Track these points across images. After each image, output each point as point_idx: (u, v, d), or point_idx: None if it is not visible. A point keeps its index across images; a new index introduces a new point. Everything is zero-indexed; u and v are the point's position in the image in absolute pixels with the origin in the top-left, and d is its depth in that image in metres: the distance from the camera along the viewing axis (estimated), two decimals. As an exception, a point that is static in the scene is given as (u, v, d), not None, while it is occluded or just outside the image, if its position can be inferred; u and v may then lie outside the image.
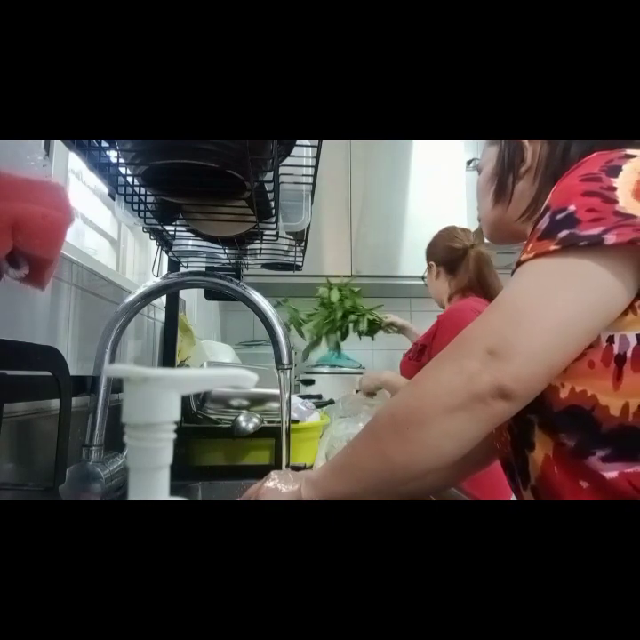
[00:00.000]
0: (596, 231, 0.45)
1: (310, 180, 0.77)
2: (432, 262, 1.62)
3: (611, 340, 0.47)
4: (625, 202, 0.46)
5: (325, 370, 2.07)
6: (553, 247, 0.46)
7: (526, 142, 0.66)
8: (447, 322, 1.41)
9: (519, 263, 0.50)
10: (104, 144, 0.62)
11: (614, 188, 0.47)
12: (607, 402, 0.47)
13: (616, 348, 0.47)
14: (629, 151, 0.52)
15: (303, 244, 0.99)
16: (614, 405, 0.46)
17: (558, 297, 0.46)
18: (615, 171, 0.49)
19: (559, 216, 0.48)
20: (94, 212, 1.09)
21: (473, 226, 2.05)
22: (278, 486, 0.57)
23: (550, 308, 0.46)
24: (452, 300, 1.57)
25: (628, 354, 0.46)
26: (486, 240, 0.80)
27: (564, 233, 0.46)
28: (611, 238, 0.44)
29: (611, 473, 0.47)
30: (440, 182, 2.08)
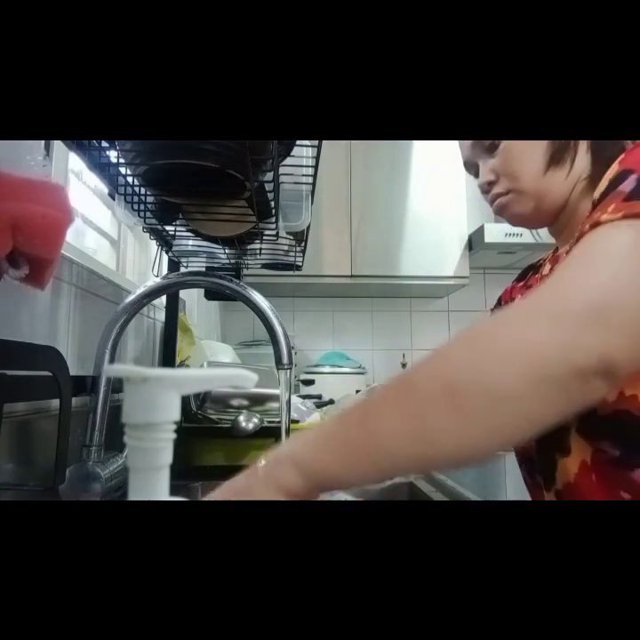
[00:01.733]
0: None
1: (310, 179, 0.77)
2: None
3: None
4: None
5: (325, 370, 2.07)
6: None
7: None
8: None
9: (598, 223, 0.41)
10: (104, 144, 0.62)
11: None
12: None
13: None
14: None
15: (303, 244, 0.99)
16: None
17: None
18: None
19: None
20: (94, 212, 1.09)
21: (473, 226, 2.05)
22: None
23: None
24: None
25: None
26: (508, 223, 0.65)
27: None
28: None
29: None
30: (440, 182, 2.08)
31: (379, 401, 0.37)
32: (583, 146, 0.58)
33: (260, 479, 0.39)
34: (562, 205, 0.59)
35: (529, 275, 0.76)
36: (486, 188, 0.63)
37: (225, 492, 0.40)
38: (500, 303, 0.80)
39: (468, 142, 0.65)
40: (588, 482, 0.48)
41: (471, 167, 0.66)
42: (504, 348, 0.35)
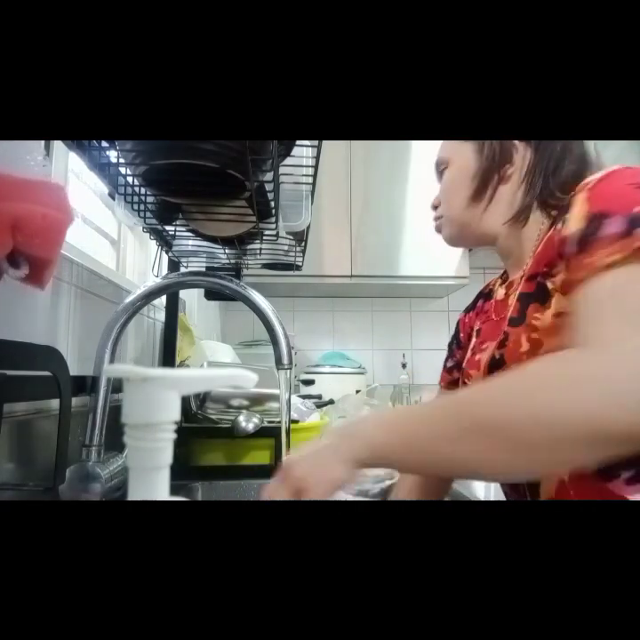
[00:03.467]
0: None
1: (310, 179, 0.77)
2: None
3: None
4: None
5: (325, 370, 2.07)
6: None
7: (517, 143, 0.63)
8: None
9: (606, 267, 0.44)
10: (104, 144, 0.62)
11: None
12: None
13: None
14: None
15: (303, 244, 0.99)
16: None
17: None
18: None
19: (634, 216, 0.45)
20: (94, 212, 1.09)
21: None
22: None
23: None
24: None
25: None
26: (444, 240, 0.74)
27: None
28: None
29: (635, 496, 0.46)
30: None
31: (447, 424, 0.42)
32: (514, 187, 0.64)
33: (333, 446, 0.45)
34: (482, 234, 0.67)
35: (479, 302, 0.79)
36: (433, 209, 0.73)
37: (300, 452, 0.47)
38: (457, 333, 0.83)
39: (434, 166, 0.73)
40: (566, 497, 0.50)
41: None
42: (561, 408, 0.38)
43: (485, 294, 0.78)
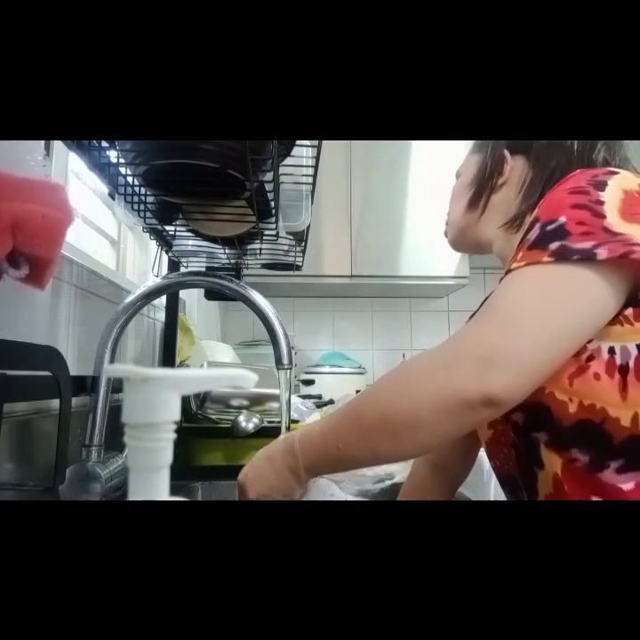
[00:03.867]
0: (587, 245, 0.46)
1: (310, 180, 0.77)
2: None
3: (612, 351, 0.48)
4: (612, 219, 0.47)
5: (325, 370, 2.07)
6: (546, 259, 0.48)
7: (508, 156, 0.67)
8: None
9: (508, 271, 0.51)
10: (104, 144, 0.62)
11: (602, 202, 0.49)
12: (617, 413, 0.47)
13: (618, 359, 0.48)
14: (612, 168, 0.54)
15: (303, 244, 0.99)
16: (624, 416, 0.47)
17: (550, 308, 0.47)
18: (602, 185, 0.51)
19: (550, 227, 0.49)
20: (94, 212, 1.09)
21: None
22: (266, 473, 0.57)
23: (541, 320, 0.47)
24: None
25: (631, 364, 0.47)
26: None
27: (555, 244, 0.48)
28: (602, 253, 0.46)
29: (627, 484, 0.47)
30: (440, 182, 2.07)
31: (339, 425, 0.53)
32: (511, 194, 0.67)
33: (277, 463, 0.56)
34: (478, 238, 0.72)
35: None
36: (446, 215, 0.79)
37: (249, 469, 0.59)
38: None
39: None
40: (562, 492, 0.51)
41: None
42: (417, 390, 0.48)
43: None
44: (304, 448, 0.55)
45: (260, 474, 0.58)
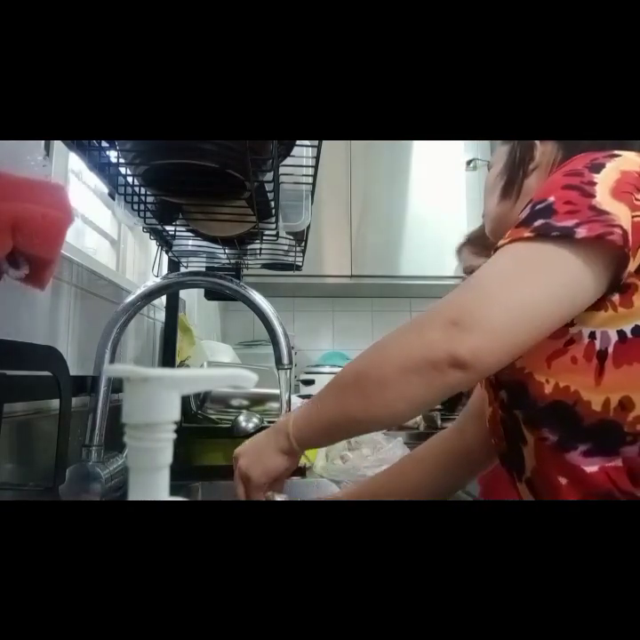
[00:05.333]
0: (569, 223, 0.46)
1: (310, 179, 0.77)
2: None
3: (592, 336, 0.48)
4: (601, 198, 0.47)
5: (325, 370, 2.06)
6: (527, 234, 0.48)
7: (537, 142, 0.67)
8: None
9: (496, 249, 0.52)
10: (104, 144, 0.62)
11: (594, 183, 0.49)
12: (589, 397, 0.48)
13: (597, 344, 0.48)
14: (617, 151, 0.53)
15: (303, 244, 0.99)
16: (596, 401, 0.48)
17: (524, 279, 0.48)
18: (598, 167, 0.51)
19: (538, 206, 0.50)
20: (94, 212, 1.09)
21: (472, 226, 2.05)
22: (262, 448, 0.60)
23: (514, 289, 0.47)
24: None
25: (610, 350, 0.48)
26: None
27: (539, 222, 0.48)
28: (581, 232, 0.46)
29: (591, 467, 0.48)
30: (440, 182, 2.08)
31: (325, 391, 0.55)
32: (542, 177, 0.65)
33: (266, 439, 0.60)
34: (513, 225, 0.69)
35: None
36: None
37: (246, 445, 0.62)
38: None
39: None
40: (542, 469, 0.53)
41: None
42: (389, 350, 0.50)
43: None
44: (295, 415, 0.57)
45: (252, 441, 0.62)
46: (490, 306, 0.46)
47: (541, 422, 0.51)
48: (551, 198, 0.49)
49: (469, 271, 1.46)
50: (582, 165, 0.52)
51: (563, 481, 0.50)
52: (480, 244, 1.27)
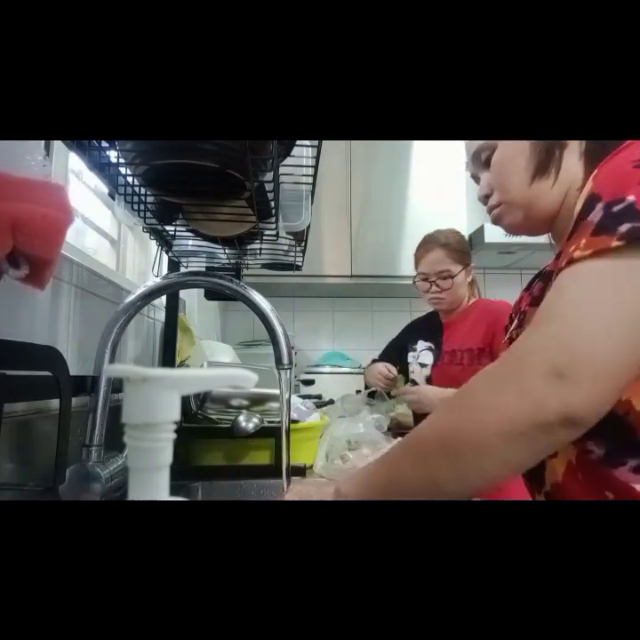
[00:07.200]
0: None
1: (310, 179, 0.77)
2: (468, 264, 1.52)
3: None
4: None
5: (325, 370, 2.07)
6: (615, 243, 0.41)
7: None
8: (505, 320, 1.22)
9: (571, 261, 0.44)
10: (104, 144, 0.62)
11: None
12: None
13: None
14: None
15: (303, 244, 0.99)
16: None
17: (627, 305, 0.40)
18: None
19: (616, 208, 0.43)
20: (94, 212, 1.09)
21: (473, 226, 2.05)
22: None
23: (619, 320, 0.40)
24: (470, 301, 1.57)
25: None
26: (504, 231, 0.68)
27: (625, 226, 0.41)
28: None
29: None
30: (440, 182, 2.08)
31: (398, 452, 0.48)
32: (574, 154, 0.58)
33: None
34: (552, 213, 0.60)
35: (535, 282, 0.74)
36: (484, 201, 0.66)
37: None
38: (511, 316, 0.78)
39: (470, 158, 0.67)
40: (574, 481, 0.49)
41: (477, 180, 0.69)
42: (483, 414, 0.42)
43: (542, 274, 0.73)
44: (350, 485, 0.50)
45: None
46: (596, 347, 0.39)
47: (586, 433, 0.46)
48: (631, 197, 0.42)
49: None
50: None
51: (610, 496, 0.46)
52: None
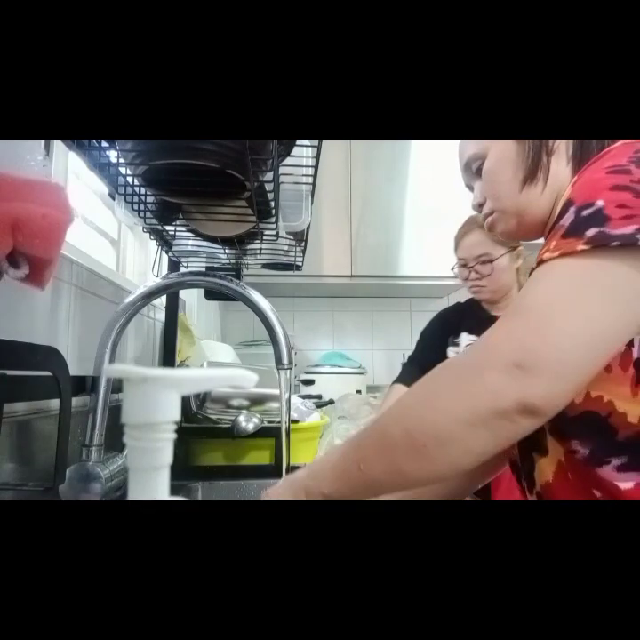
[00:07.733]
0: (628, 230, 0.41)
1: (310, 179, 0.77)
2: (515, 247, 1.32)
3: (630, 343, 0.45)
4: None
5: (325, 370, 2.06)
6: (581, 247, 0.42)
7: None
8: None
9: (541, 262, 0.46)
10: (104, 144, 0.62)
11: None
12: (625, 408, 0.45)
13: (635, 352, 0.45)
14: None
15: (303, 244, 0.99)
16: (632, 412, 0.45)
17: (588, 302, 0.42)
18: None
19: (585, 212, 0.44)
20: (94, 212, 1.09)
21: (473, 226, 2.05)
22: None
23: (579, 316, 0.41)
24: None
25: None
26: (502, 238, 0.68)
27: (592, 231, 0.43)
28: None
29: (626, 483, 0.45)
30: (440, 182, 2.08)
31: (363, 444, 0.49)
32: (562, 159, 0.59)
33: (296, 483, 0.51)
34: (544, 219, 0.61)
35: None
36: (478, 209, 0.67)
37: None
38: None
39: (462, 168, 0.69)
40: (564, 480, 0.50)
41: (471, 190, 0.70)
42: (444, 402, 0.43)
43: None
44: (314, 480, 0.50)
45: (276, 492, 0.53)
46: (556, 341, 0.41)
47: (570, 434, 0.48)
48: (600, 202, 0.44)
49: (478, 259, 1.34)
50: (627, 159, 0.46)
51: (597, 494, 0.47)
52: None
